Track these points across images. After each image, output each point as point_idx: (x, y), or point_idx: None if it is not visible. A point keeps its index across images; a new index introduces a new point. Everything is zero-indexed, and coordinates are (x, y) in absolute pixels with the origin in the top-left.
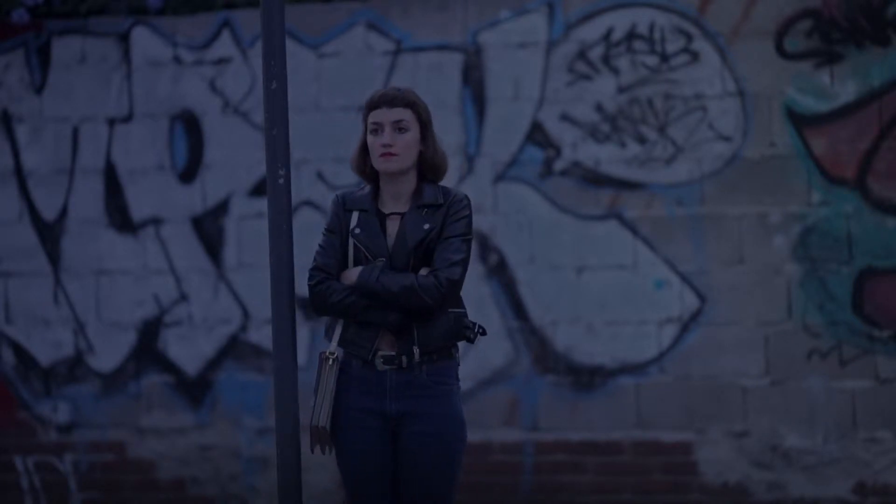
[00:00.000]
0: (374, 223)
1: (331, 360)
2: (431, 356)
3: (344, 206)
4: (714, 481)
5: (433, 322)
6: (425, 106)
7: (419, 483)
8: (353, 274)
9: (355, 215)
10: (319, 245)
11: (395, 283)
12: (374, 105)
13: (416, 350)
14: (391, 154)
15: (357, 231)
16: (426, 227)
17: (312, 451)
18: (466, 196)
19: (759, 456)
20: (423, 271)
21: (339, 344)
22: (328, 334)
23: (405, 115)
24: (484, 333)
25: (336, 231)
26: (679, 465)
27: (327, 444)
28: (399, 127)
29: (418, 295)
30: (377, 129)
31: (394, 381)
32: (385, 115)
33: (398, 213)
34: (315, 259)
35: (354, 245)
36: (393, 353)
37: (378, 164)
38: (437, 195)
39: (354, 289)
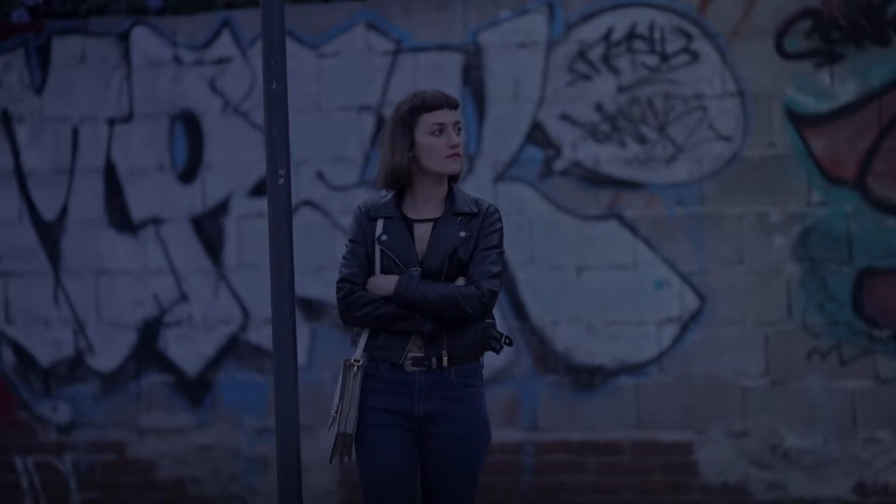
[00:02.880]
0: (401, 229)
1: (355, 368)
2: (460, 359)
3: (367, 215)
4: (714, 481)
5: (463, 331)
6: None
7: (443, 484)
8: (383, 281)
9: (380, 223)
10: (344, 256)
11: (435, 293)
12: (435, 106)
13: (444, 355)
14: (458, 154)
15: (384, 238)
16: (462, 234)
17: (331, 462)
18: (498, 209)
19: (759, 456)
20: (461, 281)
21: (366, 350)
22: (354, 341)
23: (460, 117)
24: (510, 344)
25: (360, 241)
26: (679, 464)
27: (349, 452)
28: (458, 128)
29: (461, 305)
30: (441, 129)
31: (422, 381)
32: (449, 117)
33: (428, 219)
34: (341, 271)
35: (382, 252)
36: (422, 355)
37: (444, 165)
38: (471, 204)
39: (387, 298)
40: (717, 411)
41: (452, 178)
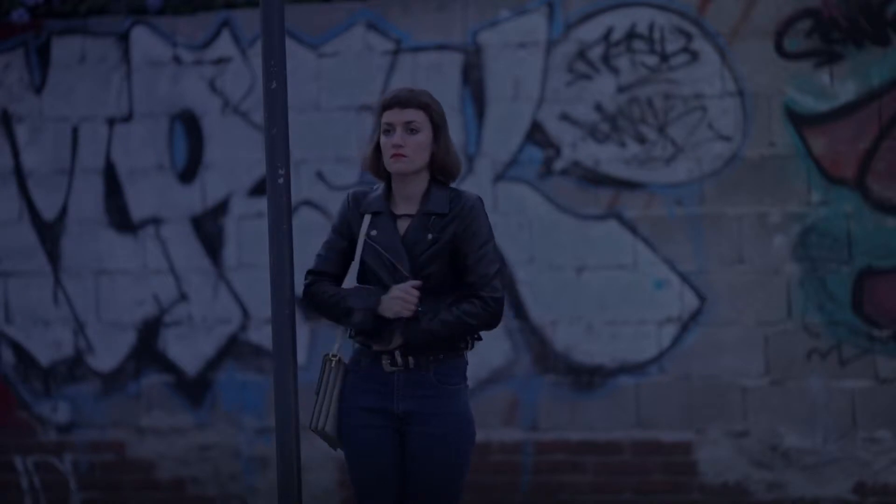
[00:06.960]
0: (389, 225)
1: (333, 362)
2: (439, 355)
3: (357, 208)
4: (714, 481)
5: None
6: (439, 108)
7: (427, 483)
8: (397, 307)
9: (368, 218)
10: (323, 245)
11: (440, 323)
12: (386, 105)
13: (408, 356)
14: (401, 155)
15: (374, 233)
16: (429, 237)
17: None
18: (479, 198)
19: (759, 456)
20: (465, 300)
21: (352, 336)
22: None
23: (417, 116)
24: (479, 339)
25: (342, 233)
26: (679, 464)
27: (333, 445)
28: (410, 128)
29: (469, 325)
30: (389, 129)
31: (401, 380)
32: (397, 116)
33: (409, 215)
34: (316, 261)
35: (368, 246)
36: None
37: (389, 164)
38: (444, 203)
39: (361, 309)
40: (717, 411)
41: (441, 178)
